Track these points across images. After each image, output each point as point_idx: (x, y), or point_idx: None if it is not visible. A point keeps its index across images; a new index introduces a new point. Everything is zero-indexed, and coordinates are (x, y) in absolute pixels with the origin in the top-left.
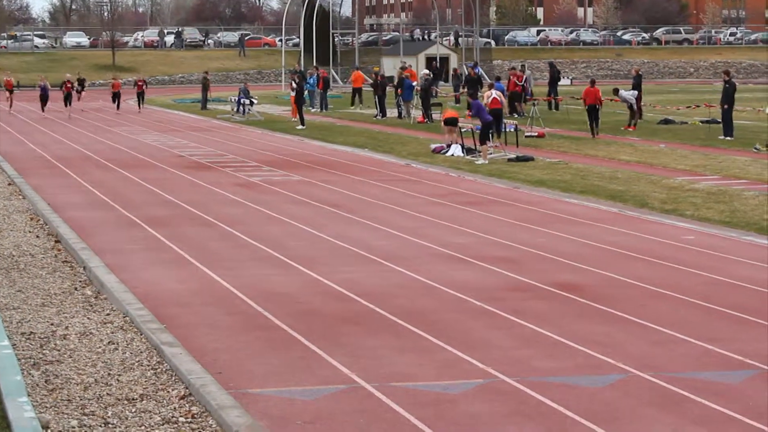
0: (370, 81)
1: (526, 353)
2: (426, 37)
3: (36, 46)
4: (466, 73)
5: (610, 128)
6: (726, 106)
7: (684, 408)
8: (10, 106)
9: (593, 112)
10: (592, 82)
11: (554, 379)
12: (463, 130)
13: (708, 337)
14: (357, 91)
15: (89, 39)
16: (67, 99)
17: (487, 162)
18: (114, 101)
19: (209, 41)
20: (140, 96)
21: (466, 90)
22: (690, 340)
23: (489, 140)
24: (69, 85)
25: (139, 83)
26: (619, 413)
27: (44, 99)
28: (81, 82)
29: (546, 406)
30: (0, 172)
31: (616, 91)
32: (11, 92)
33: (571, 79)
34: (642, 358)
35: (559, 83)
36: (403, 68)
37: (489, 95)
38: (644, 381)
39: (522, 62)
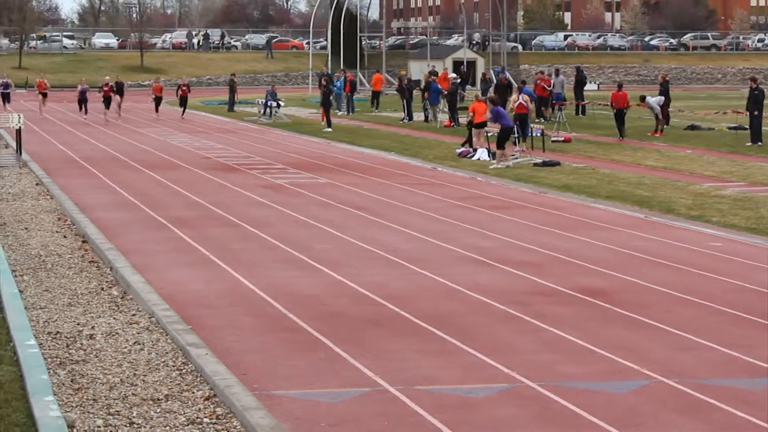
0: (392, 84)
1: (549, 358)
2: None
3: (65, 47)
4: (495, 78)
5: (637, 134)
6: (756, 113)
7: (708, 415)
8: (42, 108)
9: (620, 115)
10: (620, 86)
11: (578, 384)
12: (489, 134)
13: (733, 344)
14: (375, 95)
15: (118, 40)
16: (106, 103)
17: (501, 167)
18: (156, 106)
19: (230, 42)
20: (183, 101)
21: (498, 96)
22: (715, 347)
23: (505, 146)
24: (107, 88)
25: (183, 87)
26: (642, 419)
27: (83, 102)
28: (119, 86)
29: (569, 411)
30: (28, 173)
31: (643, 98)
32: (44, 95)
33: (599, 84)
34: (666, 364)
35: (585, 88)
36: (431, 72)
37: (515, 100)
38: (668, 387)
39: (554, 66)
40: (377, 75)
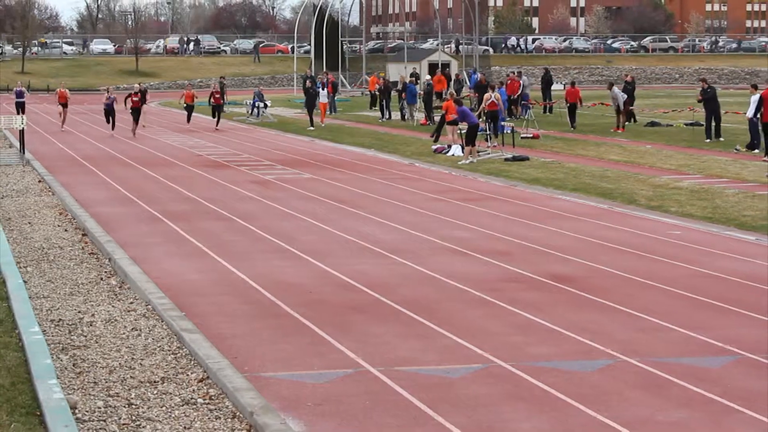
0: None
1: (521, 340)
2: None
3: (65, 53)
4: (467, 78)
5: (600, 130)
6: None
7: (668, 391)
8: (63, 121)
9: (572, 108)
10: (572, 84)
11: (547, 364)
12: (461, 131)
13: (691, 325)
14: (371, 95)
15: (114, 46)
16: (135, 115)
17: (467, 162)
18: (188, 114)
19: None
20: (217, 111)
21: (477, 95)
22: (674, 328)
23: (475, 142)
24: (136, 99)
25: (216, 95)
26: (607, 396)
27: (110, 114)
28: (143, 93)
29: (539, 389)
30: (31, 171)
31: (611, 86)
32: (65, 106)
33: (564, 84)
34: (629, 345)
35: (552, 88)
36: (412, 74)
37: (488, 98)
38: (631, 366)
39: (518, 68)
40: (372, 77)
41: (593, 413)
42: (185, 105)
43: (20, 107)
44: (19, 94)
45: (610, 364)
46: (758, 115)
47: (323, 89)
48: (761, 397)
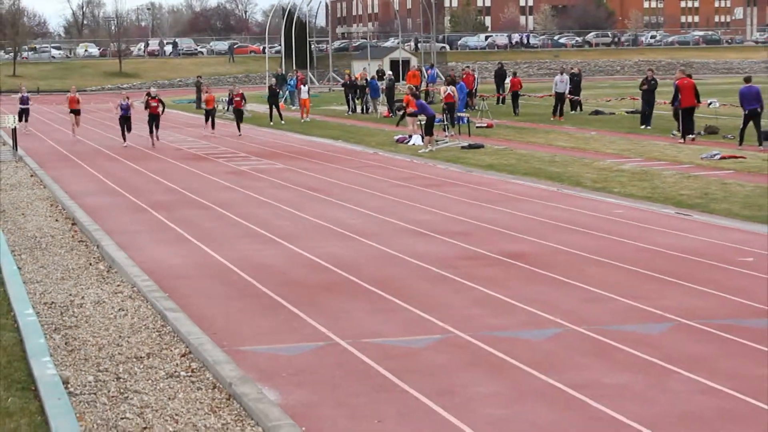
0: (339, 81)
1: (478, 312)
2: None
3: (53, 57)
4: (425, 74)
5: (549, 119)
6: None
7: (612, 356)
8: (74, 130)
9: (515, 96)
10: (514, 74)
11: (502, 333)
12: (420, 122)
13: (633, 296)
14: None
15: (99, 49)
16: (153, 122)
17: (427, 151)
18: (207, 119)
19: (197, 49)
20: (239, 115)
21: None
22: (618, 298)
23: (432, 132)
24: (155, 105)
25: (236, 98)
26: (557, 361)
27: (126, 123)
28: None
29: (495, 357)
30: (23, 166)
31: (562, 71)
32: (77, 113)
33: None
34: (577, 314)
35: (506, 81)
36: (378, 71)
37: (444, 90)
38: (578, 334)
39: (472, 64)
40: (413, 72)
41: (544, 377)
42: (205, 110)
43: (24, 114)
44: (24, 101)
45: (560, 333)
46: (676, 103)
47: (304, 86)
48: (698, 360)
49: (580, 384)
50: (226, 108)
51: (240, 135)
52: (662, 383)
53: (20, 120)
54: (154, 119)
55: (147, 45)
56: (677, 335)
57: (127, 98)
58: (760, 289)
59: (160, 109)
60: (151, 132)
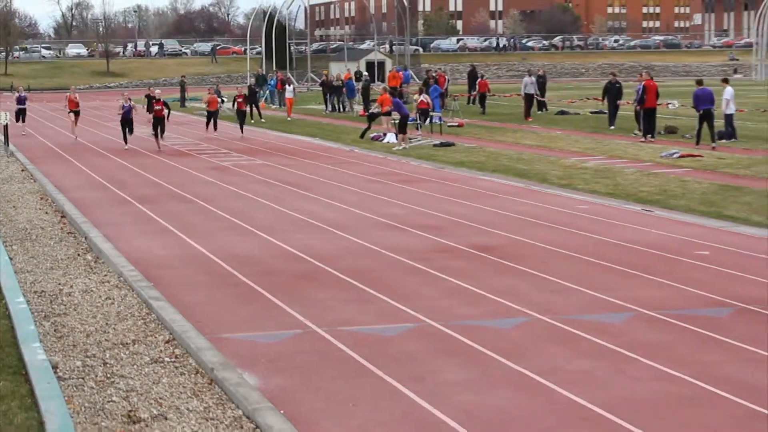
0: (316, 82)
1: (448, 302)
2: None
3: (43, 56)
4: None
5: (517, 118)
6: (615, 102)
7: (576, 344)
8: (74, 129)
9: (483, 97)
10: (482, 76)
11: (472, 322)
12: (394, 121)
13: (596, 287)
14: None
15: (87, 50)
16: (158, 126)
17: (401, 148)
18: (209, 122)
19: (181, 50)
20: (241, 116)
21: (425, 88)
22: (582, 290)
23: (406, 130)
24: (160, 106)
25: (239, 99)
26: (523, 349)
27: (127, 125)
28: (150, 100)
29: (465, 345)
30: (15, 161)
31: (530, 72)
32: (77, 114)
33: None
34: (542, 304)
35: (478, 82)
36: (357, 72)
37: (418, 98)
38: (544, 323)
39: (444, 66)
40: (393, 72)
41: (511, 364)
42: (208, 111)
43: (21, 114)
44: (21, 100)
45: (526, 322)
46: (641, 101)
47: (289, 86)
48: (656, 348)
49: (546, 370)
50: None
51: (242, 136)
52: (623, 370)
53: (17, 120)
54: (159, 122)
55: (135, 47)
56: (637, 324)
57: (129, 99)
58: (715, 280)
59: (165, 112)
60: (156, 136)
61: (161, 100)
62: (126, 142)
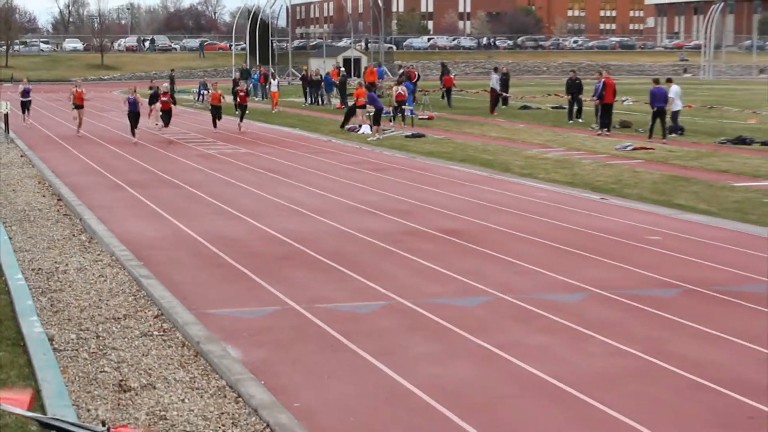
0: (296, 76)
1: (418, 282)
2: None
3: (41, 50)
4: (384, 68)
5: (483, 112)
6: (577, 97)
7: (535, 321)
8: (79, 125)
9: (449, 91)
10: (448, 72)
11: (439, 300)
12: (368, 113)
13: (554, 269)
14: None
15: (83, 44)
16: (166, 118)
17: (375, 139)
18: (214, 117)
19: (170, 45)
20: (242, 110)
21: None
22: (541, 271)
23: (380, 122)
24: (165, 99)
25: (240, 93)
26: (486, 325)
27: (134, 119)
28: (154, 96)
29: (433, 321)
30: (15, 148)
31: (496, 69)
32: (80, 108)
33: (454, 75)
34: (504, 284)
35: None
36: (336, 67)
37: (396, 90)
38: (505, 301)
39: (415, 62)
40: (371, 68)
41: (475, 339)
42: (211, 106)
43: (26, 106)
44: (25, 93)
45: (489, 300)
46: (600, 97)
47: (274, 80)
48: (609, 325)
49: (506, 345)
50: (196, 98)
51: (241, 131)
52: (578, 345)
53: (22, 112)
54: (166, 115)
55: (126, 41)
56: (592, 303)
57: (135, 92)
58: (665, 263)
59: (171, 104)
60: (166, 125)
61: (168, 92)
62: (134, 135)
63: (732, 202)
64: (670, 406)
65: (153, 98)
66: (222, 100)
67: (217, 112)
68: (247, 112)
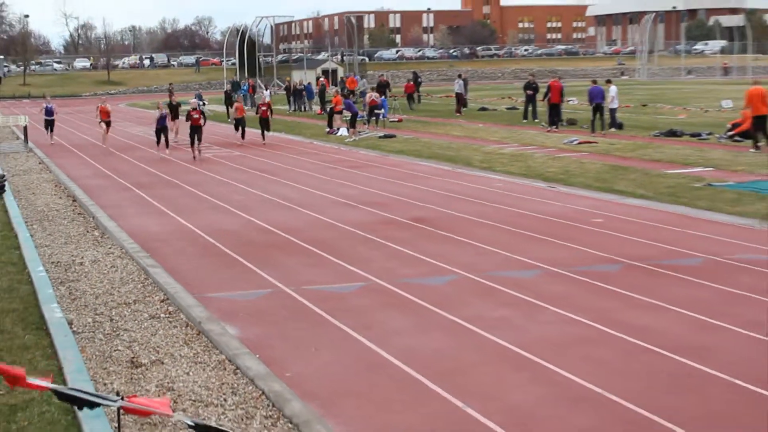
0: (281, 86)
1: (392, 264)
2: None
3: (55, 69)
4: (365, 80)
5: (446, 114)
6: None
7: (495, 296)
8: (105, 140)
9: (411, 96)
10: (408, 80)
11: (411, 280)
12: (345, 117)
13: (512, 249)
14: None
15: (92, 63)
16: (194, 135)
17: (352, 140)
18: (237, 129)
19: (168, 62)
20: (264, 124)
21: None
22: (500, 252)
23: (356, 125)
24: (197, 116)
25: (263, 108)
26: (453, 301)
27: (162, 132)
28: (175, 108)
29: (406, 299)
30: (33, 156)
31: (459, 75)
32: (108, 124)
33: (421, 82)
34: (468, 264)
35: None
36: (318, 78)
37: (370, 96)
38: (470, 279)
39: (386, 72)
40: (351, 77)
41: (444, 313)
42: (236, 119)
43: (50, 125)
44: (49, 112)
45: (455, 279)
46: (546, 98)
47: (266, 90)
48: (561, 297)
49: (472, 318)
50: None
51: (264, 143)
52: (534, 316)
53: (46, 130)
54: (195, 131)
55: (129, 59)
56: (545, 279)
57: (164, 108)
58: (607, 242)
59: (202, 121)
60: (192, 144)
61: (198, 109)
62: (163, 149)
63: (665, 188)
64: (616, 368)
65: (173, 111)
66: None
67: (241, 124)
68: (208, 114)
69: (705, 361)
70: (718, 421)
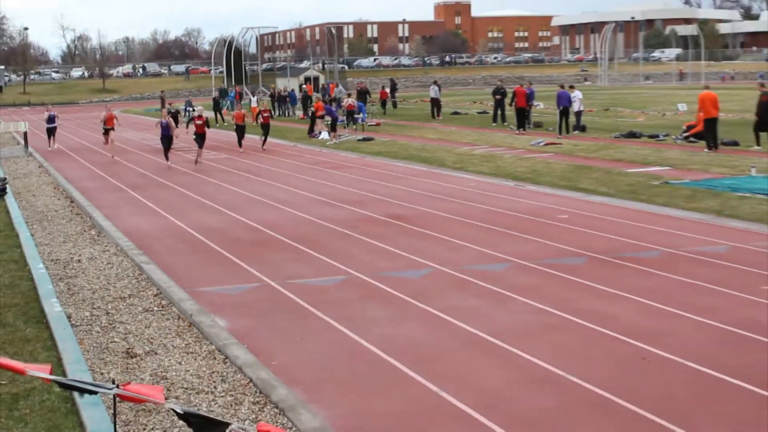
0: (266, 93)
1: (371, 258)
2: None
3: (53, 78)
4: (341, 87)
5: (422, 118)
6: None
7: (468, 287)
8: (110, 146)
9: (384, 102)
10: (384, 87)
11: (389, 273)
12: (327, 122)
13: (483, 244)
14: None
15: (87, 72)
16: (200, 141)
17: (332, 143)
18: (239, 136)
19: (160, 71)
20: (265, 131)
21: (350, 99)
22: (472, 246)
23: (336, 129)
24: (200, 123)
25: (265, 114)
26: (429, 293)
27: (166, 142)
28: (175, 115)
29: (384, 291)
30: (33, 160)
31: (435, 82)
32: (111, 131)
33: (397, 89)
34: (443, 258)
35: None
36: (301, 85)
37: (347, 101)
38: (445, 272)
39: (365, 79)
40: (332, 85)
41: (420, 304)
42: (235, 126)
43: (51, 132)
44: (51, 120)
45: (431, 272)
46: (512, 104)
47: (254, 96)
48: (530, 288)
49: (446, 308)
50: (183, 115)
51: (264, 150)
52: (504, 306)
53: (48, 138)
54: (199, 138)
55: (123, 69)
56: (514, 271)
57: (167, 116)
58: (572, 237)
59: (206, 128)
60: (200, 148)
61: (202, 116)
62: (167, 159)
63: (626, 185)
64: (579, 352)
65: (174, 118)
66: (245, 120)
67: (241, 132)
68: (219, 121)
69: (661, 346)
70: (672, 401)
